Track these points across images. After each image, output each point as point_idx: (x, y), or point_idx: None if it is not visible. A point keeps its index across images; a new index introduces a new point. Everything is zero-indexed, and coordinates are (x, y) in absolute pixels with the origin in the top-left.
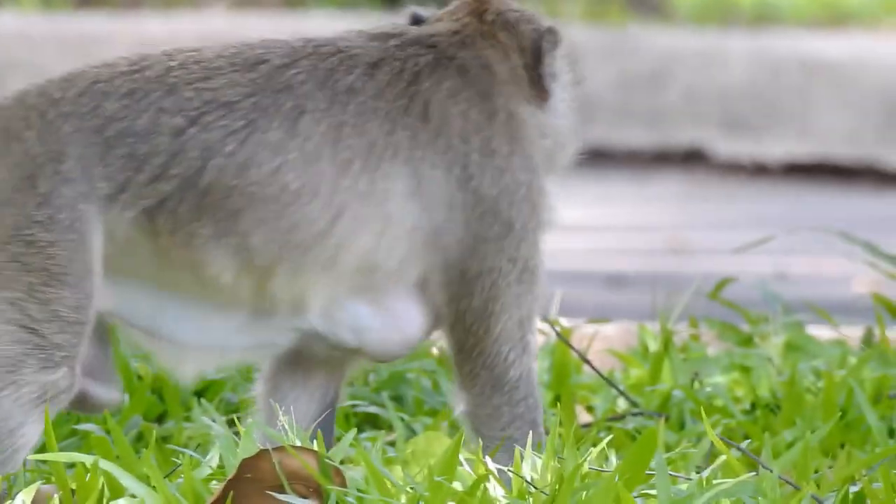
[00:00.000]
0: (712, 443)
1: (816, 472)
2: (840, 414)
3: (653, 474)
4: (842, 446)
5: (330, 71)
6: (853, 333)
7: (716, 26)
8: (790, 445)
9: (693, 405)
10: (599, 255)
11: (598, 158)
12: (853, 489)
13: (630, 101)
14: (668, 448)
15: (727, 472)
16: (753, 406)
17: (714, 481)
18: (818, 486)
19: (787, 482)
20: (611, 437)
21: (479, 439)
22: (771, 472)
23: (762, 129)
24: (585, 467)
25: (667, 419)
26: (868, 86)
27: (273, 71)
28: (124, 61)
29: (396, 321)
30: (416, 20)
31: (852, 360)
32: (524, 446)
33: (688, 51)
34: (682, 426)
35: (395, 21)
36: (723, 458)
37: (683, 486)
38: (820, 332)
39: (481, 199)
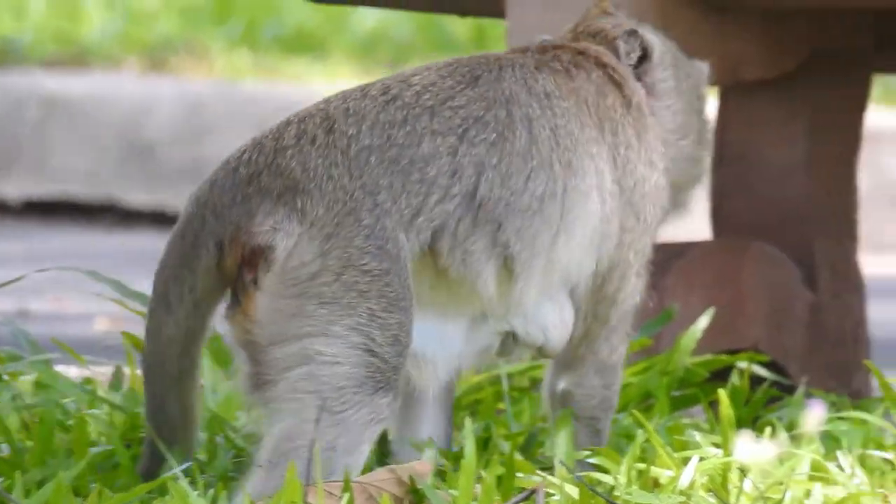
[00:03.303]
0: None
1: None
2: (92, 452)
3: None
4: (94, 484)
5: (525, 79)
6: (103, 371)
7: None
8: (42, 484)
9: None
10: None
11: None
12: None
13: None
14: None
15: None
16: (7, 444)
17: None
18: None
19: None
20: None
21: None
22: None
23: (1, 168)
24: None
25: None
26: (107, 123)
27: (492, 83)
28: (372, 89)
29: (565, 315)
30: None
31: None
32: (606, 427)
33: None
34: None
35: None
36: None
37: None
38: (68, 370)
39: (623, 190)
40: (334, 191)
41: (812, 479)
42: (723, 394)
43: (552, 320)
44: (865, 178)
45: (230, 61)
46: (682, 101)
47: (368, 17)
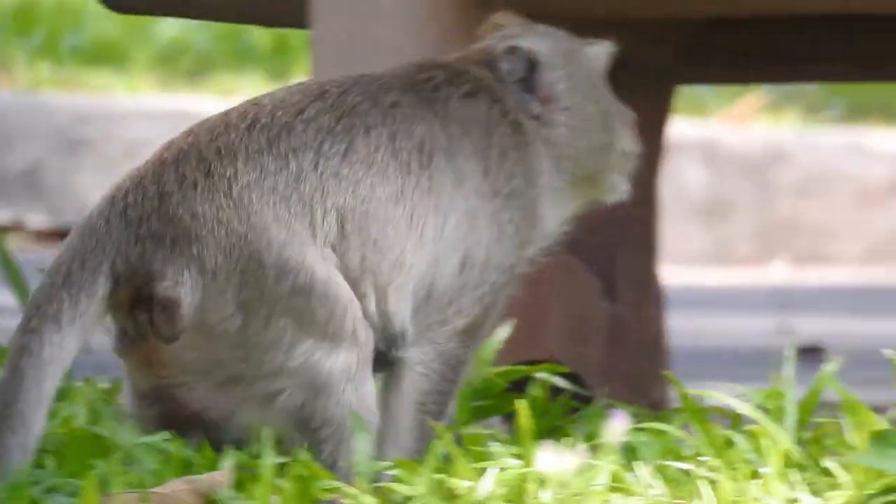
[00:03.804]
0: None
1: None
2: None
3: None
4: None
5: (374, 93)
6: None
7: None
8: None
9: None
10: None
11: None
12: None
13: None
14: None
15: None
16: None
17: None
18: None
19: None
20: None
21: (396, 394)
22: None
23: None
24: None
25: None
26: None
27: (337, 98)
28: (231, 117)
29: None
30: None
31: None
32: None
33: None
34: None
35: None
36: None
37: None
38: None
39: (497, 193)
40: (228, 236)
41: (611, 489)
42: (522, 404)
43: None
44: (666, 189)
45: (31, 72)
46: (579, 96)
47: (169, 27)
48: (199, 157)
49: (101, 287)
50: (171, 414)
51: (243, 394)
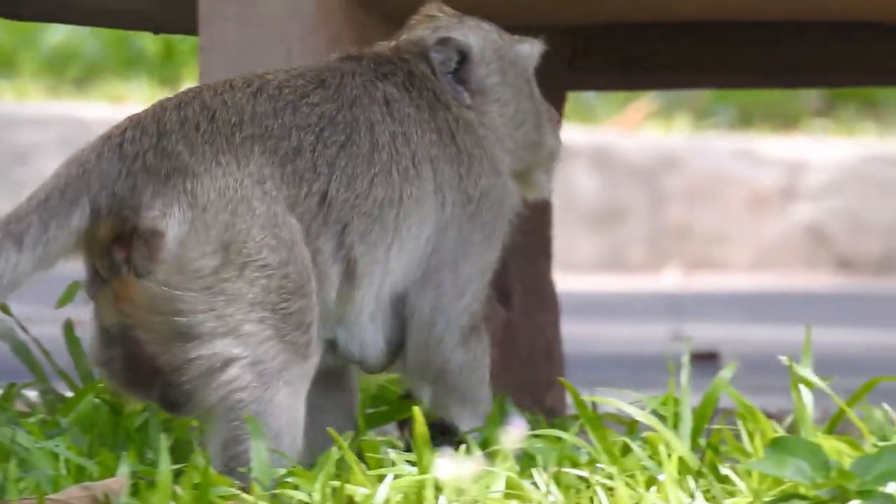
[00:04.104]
0: None
1: None
2: None
3: None
4: None
5: (365, 84)
6: None
7: None
8: None
9: None
10: None
11: None
12: None
13: None
14: None
15: None
16: None
17: None
18: None
19: None
20: None
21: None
22: None
23: None
24: None
25: None
26: None
27: (337, 88)
28: (237, 83)
29: (383, 337)
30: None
31: None
32: (486, 396)
33: None
34: None
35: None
36: None
37: None
38: None
39: (470, 200)
40: (224, 177)
41: (508, 496)
42: (417, 411)
43: (372, 337)
44: (558, 196)
45: None
46: (511, 91)
47: (57, 33)
48: (204, 104)
49: (76, 219)
50: (132, 358)
51: (196, 350)
